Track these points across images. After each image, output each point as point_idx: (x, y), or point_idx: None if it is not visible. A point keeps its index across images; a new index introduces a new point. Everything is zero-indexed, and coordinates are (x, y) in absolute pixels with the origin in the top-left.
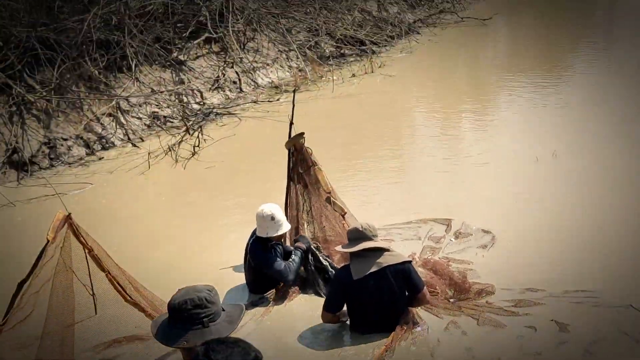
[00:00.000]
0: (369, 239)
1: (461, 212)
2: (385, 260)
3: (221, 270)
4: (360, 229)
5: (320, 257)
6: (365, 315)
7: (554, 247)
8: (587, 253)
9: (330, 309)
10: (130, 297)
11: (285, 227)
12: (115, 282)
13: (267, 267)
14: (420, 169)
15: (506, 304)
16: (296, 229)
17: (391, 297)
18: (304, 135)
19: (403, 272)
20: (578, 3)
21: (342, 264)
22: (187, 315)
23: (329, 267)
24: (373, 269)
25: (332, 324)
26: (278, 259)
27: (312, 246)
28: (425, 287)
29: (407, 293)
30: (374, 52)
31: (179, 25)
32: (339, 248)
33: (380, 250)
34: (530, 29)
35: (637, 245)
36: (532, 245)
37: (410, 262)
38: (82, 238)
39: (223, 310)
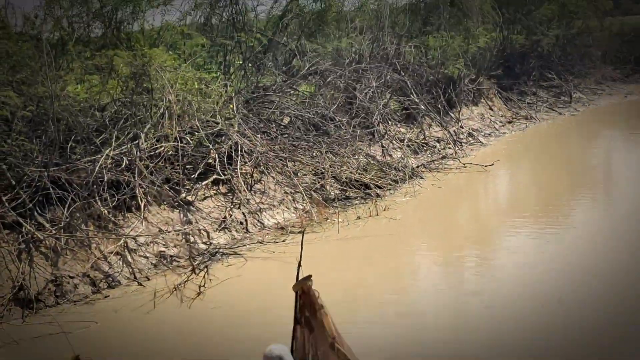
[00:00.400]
0: None
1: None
2: None
3: None
4: None
5: None
6: None
7: None
8: None
9: None
10: None
11: None
12: None
13: None
14: (425, 312)
15: None
16: None
17: None
18: (312, 278)
19: None
20: (575, 152)
21: None
22: None
23: None
24: None
25: None
26: None
27: None
28: None
29: None
30: (378, 196)
31: (188, 166)
32: None
33: None
34: (530, 175)
35: None
36: None
37: None
38: None
39: None
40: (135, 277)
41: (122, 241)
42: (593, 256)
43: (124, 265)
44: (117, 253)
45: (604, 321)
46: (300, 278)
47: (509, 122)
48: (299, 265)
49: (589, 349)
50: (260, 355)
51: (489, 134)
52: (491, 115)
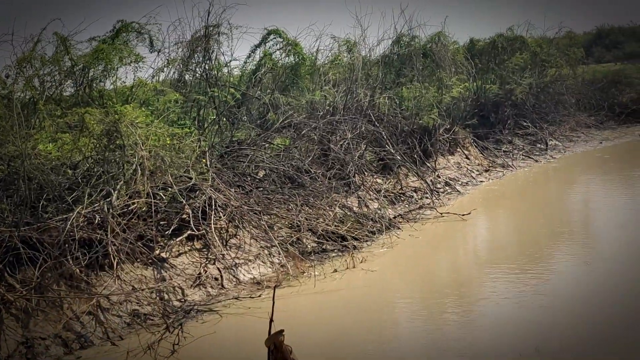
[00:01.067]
0: None
1: None
2: None
3: None
4: None
5: None
6: None
7: None
8: None
9: None
10: None
11: None
12: None
13: None
14: None
15: None
16: None
17: None
18: (284, 333)
19: None
20: (552, 197)
21: None
22: None
23: None
24: None
25: None
26: None
27: None
28: None
29: None
30: (355, 247)
31: (161, 222)
32: None
33: None
34: (508, 223)
35: None
36: None
37: None
38: None
39: None
40: (108, 337)
41: (94, 300)
42: (573, 305)
43: (97, 325)
44: (89, 312)
45: None
46: (272, 333)
47: (486, 171)
48: (271, 320)
49: None
50: None
51: (466, 183)
52: (468, 164)
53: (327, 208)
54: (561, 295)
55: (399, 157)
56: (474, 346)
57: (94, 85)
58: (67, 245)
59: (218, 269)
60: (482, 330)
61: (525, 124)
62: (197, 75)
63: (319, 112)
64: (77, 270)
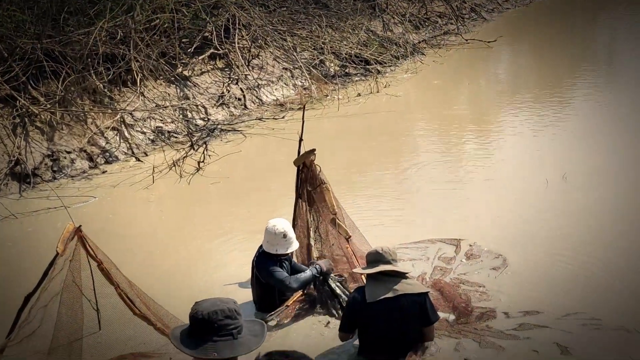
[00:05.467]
0: (387, 262)
1: (469, 234)
2: (402, 288)
3: (226, 286)
4: (380, 252)
5: (336, 285)
6: (373, 341)
7: (561, 271)
8: (594, 278)
9: (343, 329)
10: (139, 310)
11: (295, 245)
12: (124, 296)
13: (270, 277)
14: (425, 190)
15: (508, 327)
16: (308, 246)
17: (402, 327)
18: (315, 152)
19: (420, 304)
20: (579, 25)
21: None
22: (216, 326)
23: (343, 295)
24: (388, 295)
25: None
26: (283, 271)
27: (331, 273)
28: (435, 322)
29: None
30: (379, 72)
31: (184, 40)
32: (357, 270)
33: (397, 276)
34: (534, 51)
35: None
36: (540, 268)
37: (427, 293)
38: (91, 251)
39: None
40: (133, 153)
41: (118, 116)
42: (598, 128)
43: (121, 141)
44: (113, 128)
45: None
46: (302, 152)
47: None
48: (301, 140)
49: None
50: (263, 226)
51: (492, 10)
52: None
53: (351, 31)
54: (576, 129)
55: None
56: (492, 174)
57: None
58: (89, 59)
59: (241, 89)
60: (502, 162)
61: None
62: None
63: None
64: (101, 85)
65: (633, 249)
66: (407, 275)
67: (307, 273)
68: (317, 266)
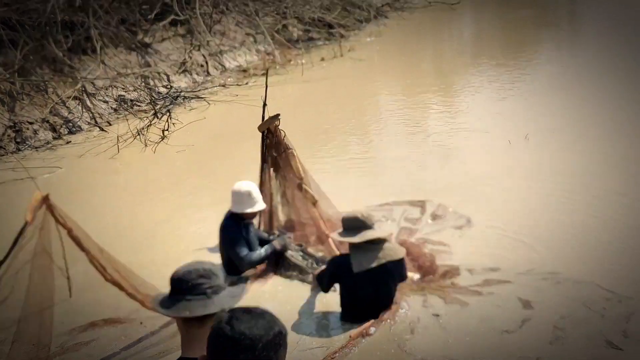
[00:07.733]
0: (369, 227)
1: (433, 196)
2: (385, 255)
3: (195, 251)
4: (360, 217)
5: (294, 257)
6: (357, 306)
7: (522, 228)
8: (554, 233)
9: (321, 287)
10: (111, 276)
11: (260, 205)
12: (95, 262)
13: (230, 249)
14: (389, 153)
15: (472, 283)
16: (270, 212)
17: (386, 290)
18: (279, 117)
19: (399, 265)
20: None
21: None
22: (190, 285)
23: (302, 265)
24: (374, 264)
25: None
26: (244, 245)
27: (287, 250)
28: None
29: None
30: (342, 36)
31: (144, 6)
32: (335, 236)
33: (380, 242)
34: (496, 13)
35: (604, 226)
36: (503, 226)
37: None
38: (61, 219)
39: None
40: (96, 122)
41: (79, 85)
42: (559, 88)
43: (84, 110)
44: (75, 97)
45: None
46: (267, 118)
47: None
48: (264, 105)
49: None
50: (229, 192)
51: None
52: None
53: None
54: (538, 90)
55: None
56: (453, 139)
57: None
58: (48, 27)
59: (203, 55)
60: (470, 121)
61: None
62: None
63: None
64: (60, 54)
65: (591, 205)
66: (387, 239)
67: (262, 254)
68: (271, 248)
